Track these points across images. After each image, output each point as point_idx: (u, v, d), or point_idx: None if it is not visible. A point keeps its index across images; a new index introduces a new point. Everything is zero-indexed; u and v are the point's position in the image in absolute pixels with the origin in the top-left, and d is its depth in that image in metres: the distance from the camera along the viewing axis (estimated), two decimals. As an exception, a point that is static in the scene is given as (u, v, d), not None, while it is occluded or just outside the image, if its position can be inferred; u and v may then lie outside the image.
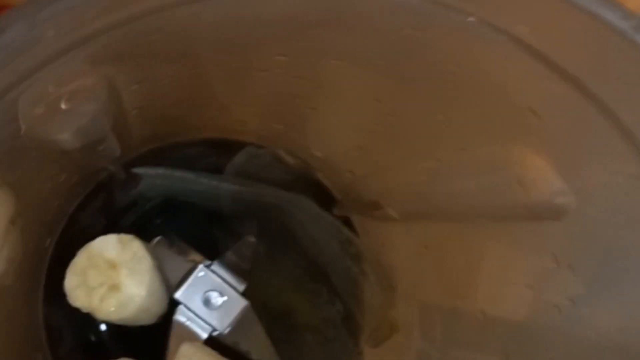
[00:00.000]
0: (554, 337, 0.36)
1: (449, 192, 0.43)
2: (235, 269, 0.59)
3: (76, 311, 0.57)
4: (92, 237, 0.54)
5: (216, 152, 0.64)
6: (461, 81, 0.35)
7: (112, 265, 0.53)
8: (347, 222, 0.61)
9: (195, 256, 0.60)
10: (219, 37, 0.39)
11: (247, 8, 0.35)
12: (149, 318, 0.58)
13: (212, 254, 0.60)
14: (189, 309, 0.57)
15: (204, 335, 0.58)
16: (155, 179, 0.58)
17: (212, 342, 0.58)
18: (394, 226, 0.55)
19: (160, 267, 0.57)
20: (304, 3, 0.35)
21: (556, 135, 0.33)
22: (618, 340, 0.33)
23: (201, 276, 0.58)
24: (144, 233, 0.58)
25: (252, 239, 0.59)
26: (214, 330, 0.58)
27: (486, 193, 0.39)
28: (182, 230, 0.61)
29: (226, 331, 0.58)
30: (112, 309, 0.53)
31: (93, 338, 0.64)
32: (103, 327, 0.64)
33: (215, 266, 0.59)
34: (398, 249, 0.57)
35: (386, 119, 0.46)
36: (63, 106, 0.35)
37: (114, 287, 0.53)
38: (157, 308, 0.58)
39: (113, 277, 0.53)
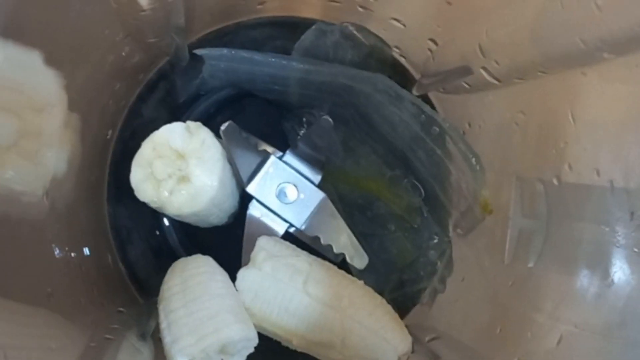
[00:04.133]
0: None
1: (564, 28, 0.37)
2: (309, 159, 0.54)
3: (142, 213, 0.55)
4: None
5: (282, 34, 0.59)
6: None
7: (180, 155, 0.49)
8: (426, 103, 0.56)
9: (267, 147, 0.57)
10: None
11: None
12: (220, 215, 0.55)
13: (283, 147, 0.56)
14: (263, 204, 0.54)
15: (280, 232, 0.54)
16: (219, 61, 0.54)
17: (290, 239, 0.54)
18: (484, 96, 0.51)
19: (230, 159, 0.53)
20: None
21: None
22: None
23: (273, 168, 0.53)
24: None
25: (328, 119, 0.54)
26: (291, 226, 0.54)
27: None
28: (249, 125, 0.56)
29: (304, 226, 0.54)
30: (183, 201, 0.49)
31: (162, 243, 0.61)
32: (172, 232, 0.61)
33: (288, 156, 0.55)
34: (488, 124, 0.52)
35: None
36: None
37: (184, 179, 0.49)
38: (229, 204, 0.55)
39: (182, 168, 0.49)
